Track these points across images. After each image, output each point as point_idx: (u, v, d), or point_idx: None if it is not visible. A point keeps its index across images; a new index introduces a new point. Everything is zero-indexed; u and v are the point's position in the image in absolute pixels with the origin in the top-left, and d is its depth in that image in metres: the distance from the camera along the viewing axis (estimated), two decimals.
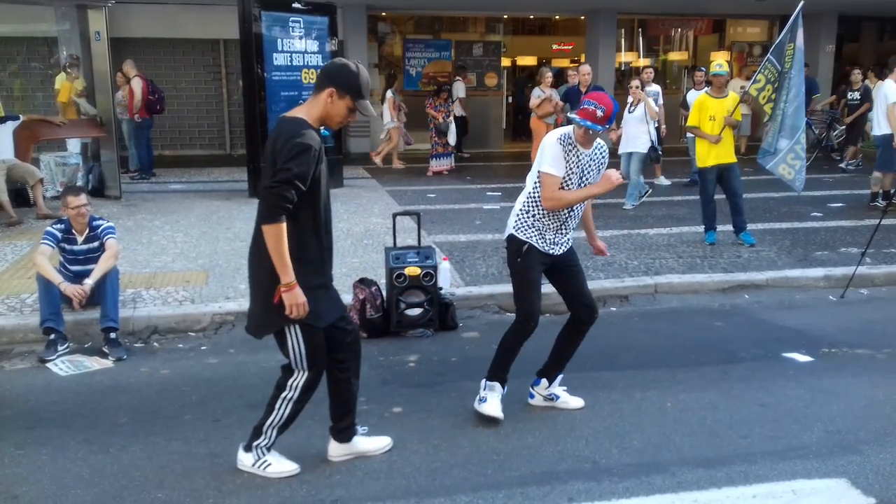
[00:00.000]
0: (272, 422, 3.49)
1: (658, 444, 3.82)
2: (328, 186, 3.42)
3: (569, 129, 3.95)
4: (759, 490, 3.39)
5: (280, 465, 3.53)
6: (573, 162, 3.91)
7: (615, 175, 3.92)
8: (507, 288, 6.18)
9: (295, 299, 3.18)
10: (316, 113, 3.27)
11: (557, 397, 4.23)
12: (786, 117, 7.30)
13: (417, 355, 5.09)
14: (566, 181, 3.92)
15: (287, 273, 3.17)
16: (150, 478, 3.51)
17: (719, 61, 8.10)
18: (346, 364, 3.55)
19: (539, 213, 3.98)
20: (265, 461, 3.53)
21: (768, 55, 7.48)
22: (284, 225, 3.15)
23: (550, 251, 4.01)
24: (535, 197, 3.99)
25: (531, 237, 4.00)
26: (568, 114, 3.97)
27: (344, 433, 3.64)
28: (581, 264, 4.18)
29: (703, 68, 12.25)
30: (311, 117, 3.26)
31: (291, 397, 3.45)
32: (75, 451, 3.77)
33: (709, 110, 7.52)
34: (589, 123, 3.78)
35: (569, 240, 4.10)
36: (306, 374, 3.41)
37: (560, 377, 4.24)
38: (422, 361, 5.01)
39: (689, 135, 11.49)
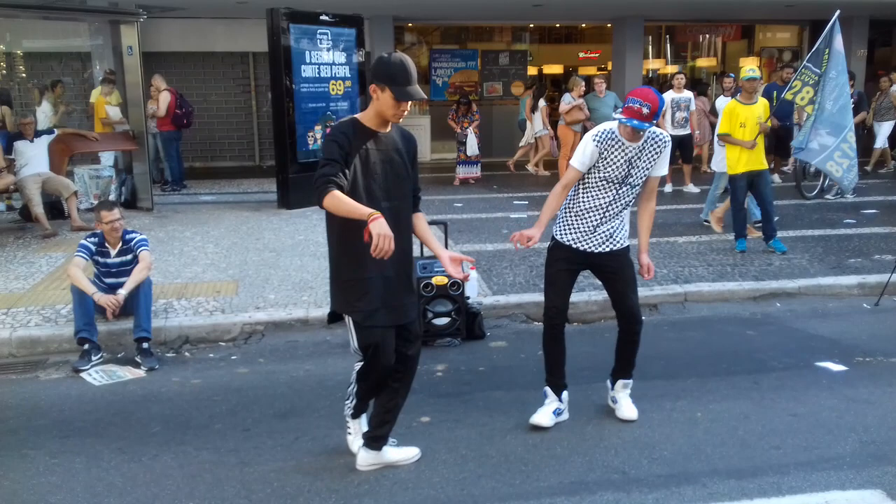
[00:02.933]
0: (350, 390, 3.69)
1: (688, 454, 3.78)
2: (382, 180, 3.37)
3: (612, 125, 3.93)
4: (791, 502, 3.34)
5: (353, 439, 3.76)
6: (618, 157, 3.87)
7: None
8: (535, 297, 6.20)
9: (380, 228, 3.02)
10: (371, 111, 3.37)
11: (616, 402, 4.24)
12: (830, 115, 7.36)
13: (445, 365, 5.09)
14: (612, 174, 3.89)
15: (363, 212, 3.09)
16: (182, 486, 3.55)
17: (751, 66, 8.06)
18: (399, 375, 3.55)
19: (572, 211, 3.99)
20: (349, 426, 3.81)
21: (805, 62, 7.53)
22: (335, 191, 3.13)
23: (582, 248, 3.98)
24: (572, 194, 4.00)
25: (559, 232, 4.03)
26: (614, 114, 3.92)
27: (377, 441, 3.64)
28: (631, 276, 4.07)
29: (731, 74, 12.14)
30: (367, 116, 3.38)
31: (353, 379, 3.62)
32: (108, 459, 3.83)
33: (739, 117, 7.46)
34: (635, 122, 3.73)
35: (610, 241, 3.99)
36: (361, 362, 3.50)
37: (623, 382, 4.21)
38: (449, 371, 5.01)
39: (717, 142, 11.41)
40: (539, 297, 6.19)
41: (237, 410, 4.41)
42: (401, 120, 3.42)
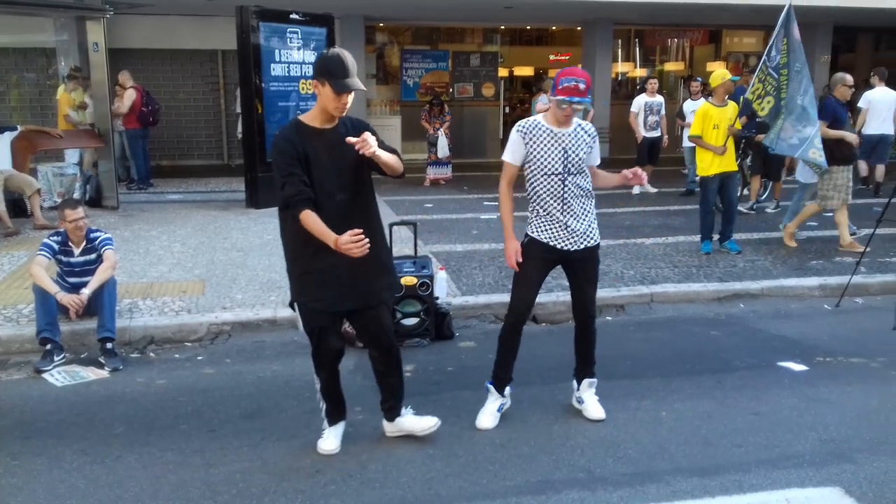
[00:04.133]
0: (315, 388, 3.84)
1: (653, 453, 3.83)
2: (334, 175, 3.45)
3: (536, 116, 4.00)
4: (752, 499, 3.40)
5: (325, 442, 3.84)
6: (549, 144, 3.90)
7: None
8: (504, 298, 6.21)
9: (346, 245, 3.21)
10: (316, 108, 3.46)
11: (582, 401, 4.27)
12: (804, 109, 7.38)
13: (413, 365, 5.09)
14: (550, 167, 3.90)
15: (328, 237, 3.28)
16: (146, 488, 3.51)
17: (724, 70, 8.14)
18: (381, 359, 3.84)
19: (534, 207, 4.02)
20: (322, 431, 3.88)
21: (763, 59, 7.58)
22: (305, 211, 3.31)
23: (555, 244, 3.98)
24: (531, 195, 4.03)
25: (535, 230, 4.04)
26: (549, 96, 3.98)
27: (389, 412, 3.97)
28: (594, 272, 4.13)
29: (699, 78, 12.31)
30: (311, 115, 3.48)
31: (313, 367, 3.76)
32: (70, 461, 3.77)
33: (713, 119, 7.55)
34: (577, 99, 3.77)
35: (584, 238, 4.01)
36: (309, 342, 3.68)
37: (588, 381, 4.27)
38: (418, 371, 5.01)
39: (686, 144, 11.57)
40: (508, 297, 6.22)
41: (203, 411, 4.37)
42: (344, 113, 3.47)
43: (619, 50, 19.19)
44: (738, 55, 18.65)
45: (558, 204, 3.95)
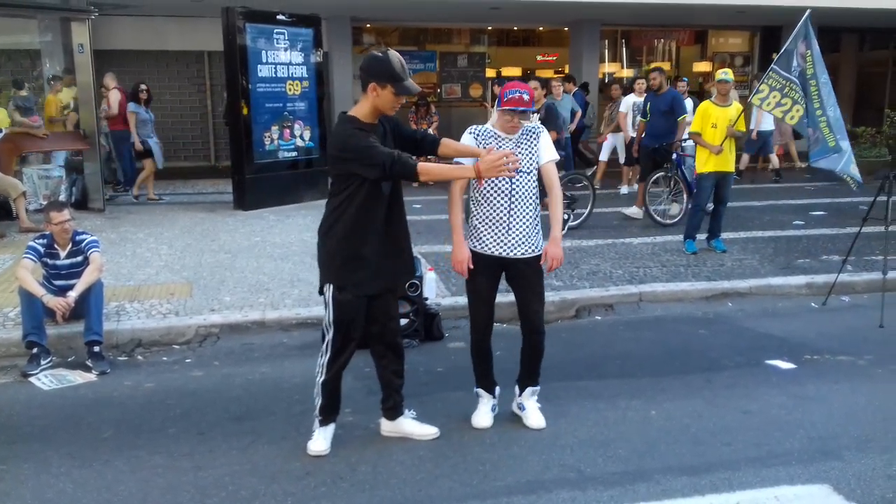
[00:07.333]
0: (316, 382, 3.82)
1: (643, 452, 3.84)
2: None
3: (486, 124, 4.04)
4: (742, 497, 3.41)
5: (315, 444, 3.83)
6: (499, 145, 3.91)
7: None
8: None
9: (489, 167, 3.45)
10: (367, 108, 3.57)
11: (523, 409, 4.20)
12: (837, 121, 7.32)
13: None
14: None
15: (466, 171, 3.57)
16: (134, 492, 3.49)
17: (725, 69, 8.16)
18: (385, 360, 3.95)
19: (478, 210, 3.97)
20: (312, 432, 3.86)
21: (772, 66, 7.54)
22: (420, 162, 3.46)
23: (494, 252, 3.93)
24: (475, 199, 3.99)
25: (471, 241, 3.99)
26: (494, 109, 4.03)
27: (389, 412, 4.01)
28: (537, 281, 4.01)
29: (685, 78, 12.37)
30: (362, 113, 3.58)
31: (324, 362, 3.75)
32: (58, 465, 3.74)
33: (711, 118, 7.58)
34: (521, 109, 3.82)
35: (525, 244, 3.92)
36: (332, 332, 3.71)
37: (531, 389, 4.18)
38: (407, 372, 4.93)
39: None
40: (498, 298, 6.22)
41: (191, 414, 4.34)
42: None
43: (606, 50, 19.24)
44: (723, 55, 18.76)
45: (506, 202, 3.89)
